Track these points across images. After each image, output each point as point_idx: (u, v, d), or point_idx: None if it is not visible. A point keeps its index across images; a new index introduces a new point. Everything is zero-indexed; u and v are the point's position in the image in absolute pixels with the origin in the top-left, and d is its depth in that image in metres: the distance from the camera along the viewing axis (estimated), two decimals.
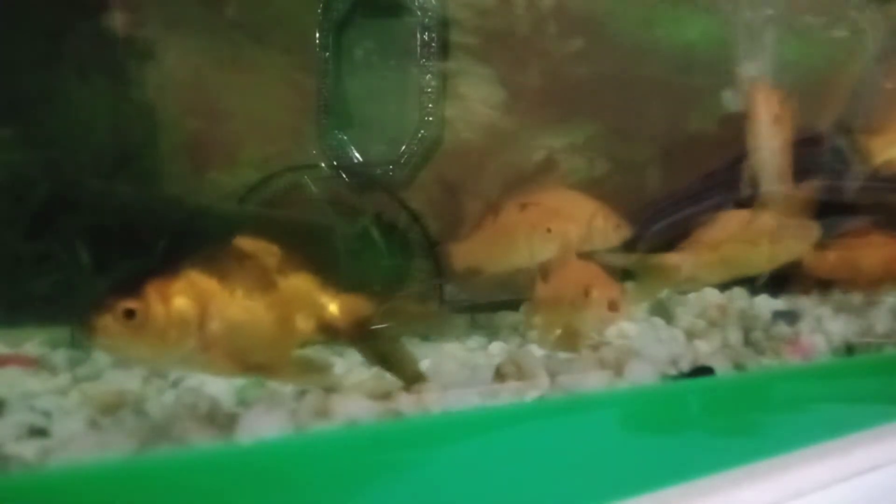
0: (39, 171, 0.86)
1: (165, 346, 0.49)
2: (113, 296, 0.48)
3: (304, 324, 0.57)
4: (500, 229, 0.91)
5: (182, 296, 0.50)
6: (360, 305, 0.60)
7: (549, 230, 0.89)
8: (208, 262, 0.52)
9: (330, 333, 0.58)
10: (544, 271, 0.83)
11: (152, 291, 0.49)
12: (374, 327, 0.60)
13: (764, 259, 0.97)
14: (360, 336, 0.59)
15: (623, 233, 0.91)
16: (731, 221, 0.98)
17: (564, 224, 0.89)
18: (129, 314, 0.48)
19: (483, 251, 0.92)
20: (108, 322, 0.47)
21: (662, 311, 1.01)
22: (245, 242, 0.55)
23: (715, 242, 0.95)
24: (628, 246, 0.93)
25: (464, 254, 0.93)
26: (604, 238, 0.90)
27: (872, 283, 1.11)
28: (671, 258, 0.95)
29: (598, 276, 0.78)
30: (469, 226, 0.96)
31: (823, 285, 1.11)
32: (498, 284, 0.93)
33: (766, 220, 0.97)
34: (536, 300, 0.83)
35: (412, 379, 0.60)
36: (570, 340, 0.79)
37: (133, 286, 0.49)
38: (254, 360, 0.52)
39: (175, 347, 0.50)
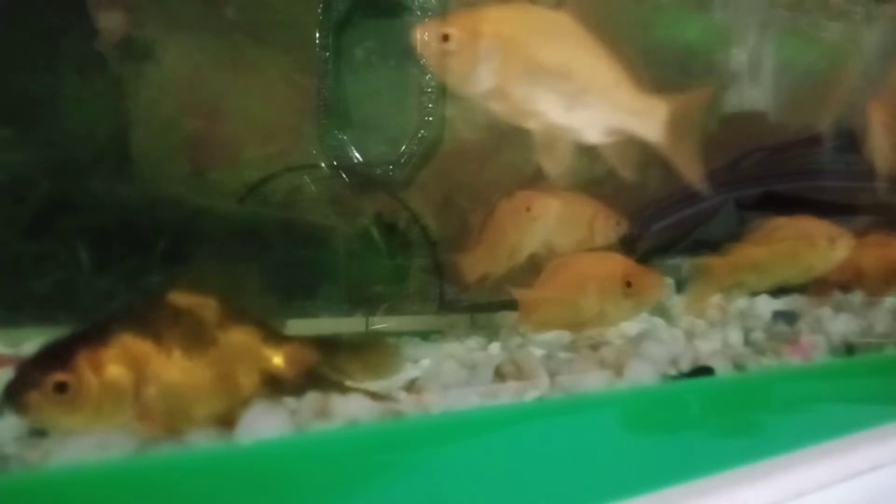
0: (39, 171, 0.86)
1: (101, 418, 0.46)
2: (40, 368, 0.45)
3: (247, 379, 0.53)
4: (494, 228, 0.91)
5: (116, 363, 0.46)
6: (307, 353, 0.56)
7: (528, 209, 0.89)
8: (141, 323, 0.48)
9: (276, 386, 0.55)
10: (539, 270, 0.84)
11: (83, 361, 0.45)
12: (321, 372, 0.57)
13: (803, 268, 0.97)
14: (308, 385, 0.56)
15: (622, 229, 0.91)
16: (780, 229, 0.98)
17: (544, 202, 0.88)
18: (60, 388, 0.44)
19: (487, 255, 0.92)
20: (37, 398, 0.44)
21: (662, 311, 1.01)
22: (180, 297, 0.52)
23: (763, 249, 0.96)
24: (630, 247, 0.94)
25: (471, 264, 0.93)
26: (605, 236, 0.91)
27: (875, 285, 1.11)
28: (721, 263, 0.96)
29: (634, 266, 0.79)
30: (471, 236, 0.96)
31: (828, 287, 1.11)
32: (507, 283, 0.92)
33: (806, 227, 0.97)
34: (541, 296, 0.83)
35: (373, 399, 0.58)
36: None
37: (62, 356, 0.45)
38: (195, 421, 0.50)
39: (111, 418, 0.46)
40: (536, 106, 0.66)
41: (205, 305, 0.52)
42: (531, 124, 0.67)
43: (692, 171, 0.74)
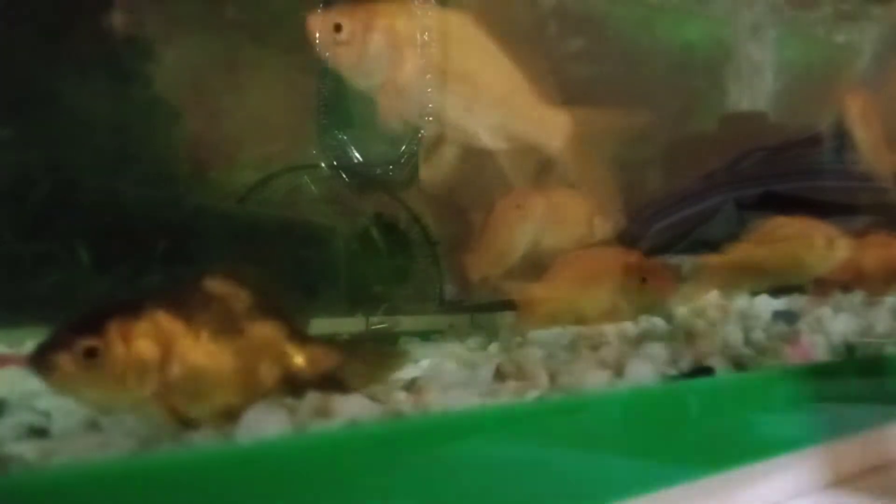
0: (41, 171, 0.86)
1: (124, 389, 0.47)
2: (72, 332, 0.45)
3: (268, 374, 0.54)
4: (492, 227, 0.92)
5: (146, 337, 0.47)
6: (327, 356, 0.57)
7: (517, 206, 0.89)
8: (175, 303, 0.49)
9: (294, 385, 0.55)
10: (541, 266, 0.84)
11: (114, 330, 0.46)
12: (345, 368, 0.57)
13: (802, 269, 0.97)
14: (326, 387, 0.56)
15: (618, 224, 0.92)
16: (779, 229, 0.98)
17: (533, 199, 0.89)
18: (90, 352, 0.45)
19: (487, 255, 0.92)
20: (66, 360, 0.45)
21: (662, 310, 1.01)
22: (213, 284, 0.52)
23: (762, 249, 0.96)
24: (629, 246, 0.94)
25: (475, 264, 0.94)
26: (603, 232, 0.91)
27: (876, 285, 1.11)
28: (716, 260, 0.96)
29: (650, 262, 0.79)
30: (474, 235, 0.96)
31: (828, 287, 1.11)
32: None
33: (805, 228, 0.97)
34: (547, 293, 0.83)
35: None
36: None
37: (94, 323, 0.46)
38: (213, 408, 0.50)
39: (134, 390, 0.47)
40: (431, 105, 0.65)
41: (236, 296, 0.53)
42: (425, 124, 0.66)
43: (600, 194, 0.72)
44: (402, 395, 0.60)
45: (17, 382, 0.63)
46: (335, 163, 1.06)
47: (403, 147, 1.06)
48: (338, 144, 1.07)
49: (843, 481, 0.69)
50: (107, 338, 0.46)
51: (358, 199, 1.06)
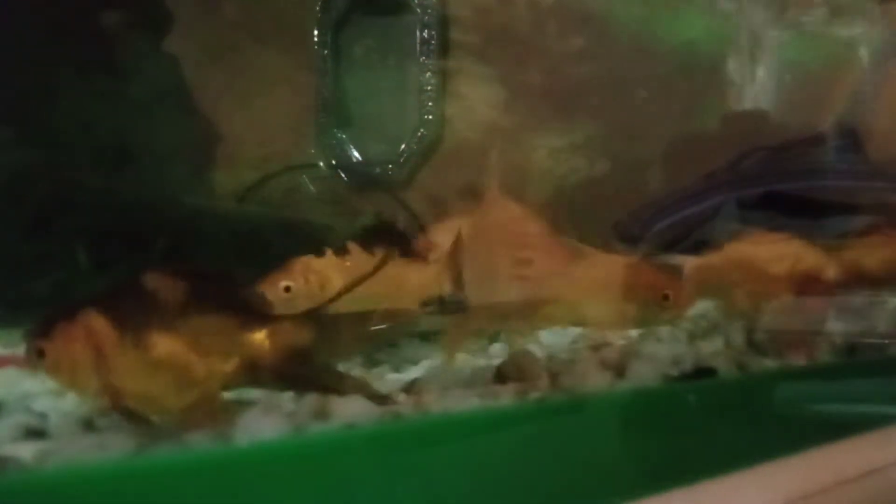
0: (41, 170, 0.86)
1: (76, 385, 0.51)
2: (33, 332, 0.50)
3: (222, 366, 0.52)
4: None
5: (78, 340, 0.49)
6: (293, 334, 0.54)
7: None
8: (108, 302, 0.50)
9: (257, 373, 0.53)
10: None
11: (57, 333, 0.50)
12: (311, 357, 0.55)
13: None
14: (296, 371, 0.54)
15: None
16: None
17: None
18: (40, 353, 0.50)
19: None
20: (30, 359, 0.50)
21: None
22: (153, 278, 0.51)
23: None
24: (629, 246, 0.93)
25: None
26: None
27: (876, 284, 1.10)
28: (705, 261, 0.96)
29: (671, 277, 0.78)
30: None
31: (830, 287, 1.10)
32: None
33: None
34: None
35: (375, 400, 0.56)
36: None
37: (45, 326, 0.50)
38: (167, 406, 0.50)
39: (83, 387, 0.50)
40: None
41: (178, 288, 0.51)
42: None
43: None
44: (401, 397, 0.60)
45: (15, 383, 0.63)
46: (334, 162, 1.06)
47: (403, 146, 1.05)
48: (337, 144, 1.07)
49: (847, 483, 0.69)
50: (50, 340, 0.50)
51: (357, 198, 1.06)
